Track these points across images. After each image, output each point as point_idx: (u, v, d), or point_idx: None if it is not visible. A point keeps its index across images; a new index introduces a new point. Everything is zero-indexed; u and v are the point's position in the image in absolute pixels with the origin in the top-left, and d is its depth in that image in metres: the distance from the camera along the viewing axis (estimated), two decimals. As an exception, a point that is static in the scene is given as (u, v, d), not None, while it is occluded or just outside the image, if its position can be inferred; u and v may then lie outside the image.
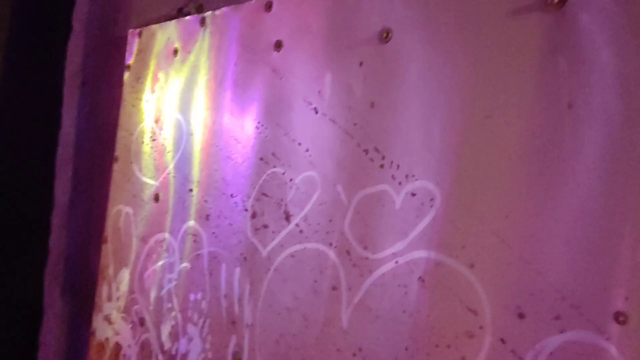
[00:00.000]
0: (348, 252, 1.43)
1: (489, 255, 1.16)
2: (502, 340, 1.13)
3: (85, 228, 2.62)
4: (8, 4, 2.85)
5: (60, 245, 2.74)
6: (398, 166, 1.35)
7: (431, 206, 1.27)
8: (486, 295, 1.16)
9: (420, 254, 1.28)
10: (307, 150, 1.57)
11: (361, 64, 1.44)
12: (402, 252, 1.31)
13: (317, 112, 1.56)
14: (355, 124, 1.46)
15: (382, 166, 1.39)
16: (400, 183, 1.34)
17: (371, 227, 1.38)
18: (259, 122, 1.73)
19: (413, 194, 1.31)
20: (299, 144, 1.60)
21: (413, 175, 1.32)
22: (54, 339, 2.69)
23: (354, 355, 1.39)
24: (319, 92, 1.55)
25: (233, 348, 1.71)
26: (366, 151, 1.42)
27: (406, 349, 1.28)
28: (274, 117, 1.68)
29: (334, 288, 1.45)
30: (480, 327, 1.16)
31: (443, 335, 1.22)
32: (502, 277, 1.14)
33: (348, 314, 1.41)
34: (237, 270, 1.73)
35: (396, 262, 1.32)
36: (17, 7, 2.88)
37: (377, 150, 1.40)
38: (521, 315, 1.09)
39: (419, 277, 1.27)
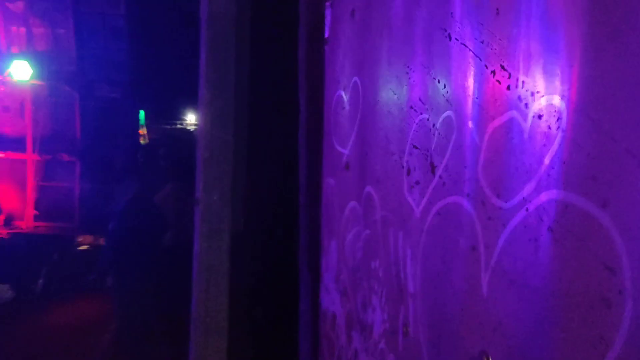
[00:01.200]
0: (483, 203, 1.15)
1: (625, 186, 0.78)
2: (647, 313, 0.74)
3: (315, 206, 2.74)
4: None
5: (304, 224, 2.92)
6: (523, 83, 1.02)
7: (557, 127, 0.92)
8: (624, 243, 0.78)
9: (549, 194, 0.94)
10: (445, 87, 1.32)
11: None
12: (531, 196, 0.99)
13: (450, 39, 1.30)
14: (482, 42, 1.16)
15: (508, 87, 1.07)
16: (526, 105, 1.01)
17: (502, 167, 1.08)
18: (408, 67, 1.53)
19: (539, 116, 0.97)
20: (438, 81, 1.36)
21: (538, 92, 0.98)
22: (306, 308, 2.89)
23: (494, 330, 1.10)
24: (451, 14, 1.29)
25: (402, 319, 1.55)
26: (493, 72, 1.12)
27: (541, 322, 0.95)
28: (417, 57, 1.47)
29: (473, 248, 1.18)
30: (620, 292, 0.78)
31: (577, 304, 0.87)
32: (644, 217, 0.74)
33: (487, 279, 1.13)
34: (401, 234, 1.57)
35: (526, 209, 1.00)
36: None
37: (503, 68, 1.09)
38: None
39: (548, 227, 0.93)
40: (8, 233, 6.97)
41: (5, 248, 6.86)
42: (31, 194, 7.18)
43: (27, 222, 7.14)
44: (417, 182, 1.46)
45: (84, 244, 9.68)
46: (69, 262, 8.02)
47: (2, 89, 6.90)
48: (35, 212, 7.23)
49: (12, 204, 7.19)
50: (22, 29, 6.90)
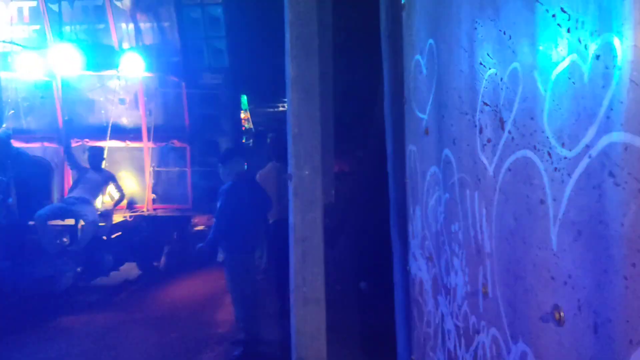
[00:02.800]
0: (549, 154, 1.11)
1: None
2: None
3: (402, 173, 2.72)
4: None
5: (393, 192, 2.92)
6: (583, 23, 0.97)
7: (614, 66, 0.87)
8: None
9: (610, 138, 0.89)
10: (510, 38, 1.28)
11: None
12: (593, 142, 0.94)
13: (513, -13, 1.25)
14: (543, -14, 1.11)
15: (568, 30, 1.02)
16: (586, 46, 0.96)
17: (565, 114, 1.04)
18: (476, 22, 1.49)
19: (597, 57, 0.92)
20: (504, 32, 1.31)
21: (596, 31, 0.93)
22: (398, 276, 2.91)
23: (565, 283, 1.07)
24: (514, -40, 1.24)
25: (481, 280, 1.54)
26: (554, 16, 1.07)
27: (605, 271, 0.92)
28: (484, 11, 1.42)
29: (542, 202, 1.15)
30: (679, 236, 0.74)
31: (638, 249, 0.82)
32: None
33: (556, 232, 1.09)
34: (476, 194, 1.54)
35: (589, 156, 0.96)
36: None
37: (562, 10, 1.04)
38: None
39: (610, 172, 0.89)
40: (131, 216, 7.59)
41: (129, 230, 7.48)
42: (149, 179, 7.75)
43: (147, 205, 7.72)
44: (489, 140, 1.43)
45: (199, 225, 10.31)
46: (186, 241, 8.59)
47: (117, 83, 7.47)
48: (153, 195, 7.79)
49: (133, 189, 7.81)
50: (131, 25, 7.41)
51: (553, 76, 1.08)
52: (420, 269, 2.24)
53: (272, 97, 11.86)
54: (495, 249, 1.42)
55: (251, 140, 9.79)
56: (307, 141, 3.16)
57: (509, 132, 1.30)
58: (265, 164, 6.28)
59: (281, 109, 12.67)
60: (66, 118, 7.47)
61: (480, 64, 1.46)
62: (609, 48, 0.88)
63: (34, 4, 7.39)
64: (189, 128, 7.90)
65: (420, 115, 2.11)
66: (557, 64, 1.06)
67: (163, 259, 8.43)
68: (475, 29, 1.49)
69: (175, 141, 7.83)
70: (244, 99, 9.63)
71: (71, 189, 7.02)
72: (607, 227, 0.90)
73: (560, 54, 1.05)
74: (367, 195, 5.03)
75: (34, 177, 7.05)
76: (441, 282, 1.95)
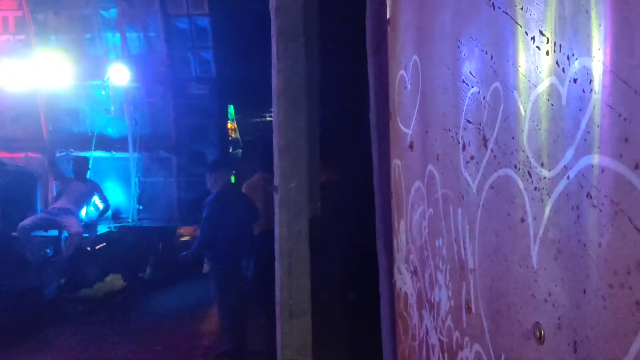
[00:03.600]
0: (530, 174, 1.12)
1: (654, 147, 0.74)
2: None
3: (387, 187, 2.74)
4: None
5: (379, 206, 2.94)
6: (560, 47, 0.99)
7: (591, 90, 0.89)
8: (655, 207, 0.75)
9: (587, 160, 0.91)
10: (492, 58, 1.30)
11: None
12: (571, 163, 0.96)
13: (494, 8, 1.27)
14: (522, 8, 1.13)
15: (547, 53, 1.04)
16: (564, 70, 0.98)
17: (544, 135, 1.06)
18: (459, 41, 1.51)
19: (575, 80, 0.94)
20: (486, 52, 1.33)
21: (573, 55, 0.95)
22: (384, 289, 2.91)
23: (545, 301, 1.08)
24: (494, -18, 1.26)
25: (465, 295, 1.55)
26: (533, 39, 1.09)
27: (584, 291, 0.93)
28: (467, 29, 1.45)
29: (523, 220, 1.16)
30: (654, 258, 0.75)
31: (616, 270, 0.84)
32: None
33: (536, 250, 1.11)
34: (459, 210, 1.56)
35: (568, 177, 0.97)
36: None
37: (541, 33, 1.06)
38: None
39: (587, 194, 0.90)
40: (115, 227, 7.53)
41: (114, 241, 7.43)
42: (134, 190, 7.70)
43: (132, 216, 7.67)
44: (472, 157, 1.45)
45: (184, 235, 10.24)
46: (172, 252, 8.54)
47: (103, 93, 7.44)
48: (138, 206, 7.75)
49: (119, 199, 7.76)
50: (117, 35, 7.39)
51: (532, 97, 1.10)
52: (405, 283, 2.25)
53: (260, 106, 11.86)
54: (478, 265, 1.43)
55: (239, 150, 9.78)
56: (293, 153, 3.17)
57: (492, 150, 1.31)
58: (253, 174, 6.27)
59: (269, 118, 12.66)
60: (50, 128, 7.42)
61: (463, 81, 1.48)
62: (586, 72, 0.90)
63: (20, 13, 7.34)
64: (175, 138, 7.87)
65: (405, 130, 2.13)
66: (536, 85, 1.08)
67: (148, 270, 8.37)
68: (459, 47, 1.51)
69: (161, 151, 7.80)
70: (231, 108, 9.63)
71: (55, 200, 6.96)
72: (586, 248, 0.92)
73: (540, 75, 1.07)
74: (356, 205, 5.05)
75: (17, 188, 6.98)
76: (425, 297, 1.96)
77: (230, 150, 9.44)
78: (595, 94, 0.87)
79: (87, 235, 6.81)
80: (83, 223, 6.82)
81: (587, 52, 0.89)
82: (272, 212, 3.51)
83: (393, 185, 2.39)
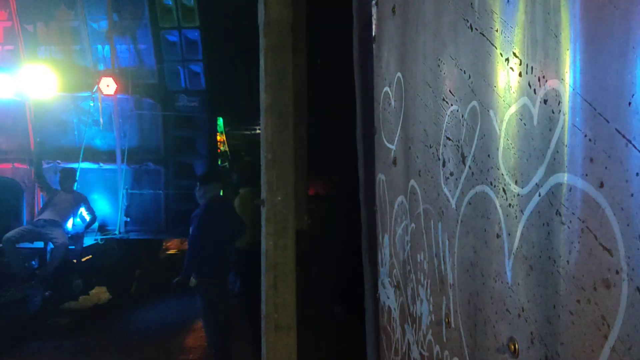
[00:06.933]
0: (504, 191, 1.15)
1: (616, 166, 0.77)
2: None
3: (373, 202, 2.77)
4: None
5: (365, 220, 2.96)
6: (532, 69, 1.03)
7: (559, 111, 0.92)
8: (618, 222, 0.77)
9: (557, 178, 0.94)
10: (470, 78, 1.33)
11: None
12: (542, 181, 0.99)
13: (472, 29, 1.31)
14: (497, 30, 1.17)
15: (520, 74, 1.07)
16: (535, 91, 1.01)
17: (517, 153, 1.09)
18: (439, 60, 1.55)
19: (545, 101, 0.97)
20: (464, 71, 1.37)
21: (543, 76, 0.98)
22: (369, 303, 2.92)
23: (519, 316, 1.10)
24: (471, 4, 1.30)
25: (445, 309, 1.57)
26: (507, 60, 1.12)
27: (554, 306, 0.96)
28: (446, 49, 1.48)
29: (498, 236, 1.19)
30: (617, 272, 0.78)
31: (583, 287, 0.86)
32: (634, 196, 0.74)
33: (510, 266, 1.13)
34: (440, 225, 1.58)
35: (539, 194, 1.00)
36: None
37: (515, 55, 1.09)
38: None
39: (557, 211, 0.93)
40: (102, 239, 7.48)
41: (100, 253, 7.37)
42: (122, 202, 7.67)
43: (119, 228, 7.63)
44: (451, 173, 1.48)
45: (171, 248, 10.20)
46: (158, 265, 8.49)
47: (92, 104, 7.43)
48: (126, 218, 7.71)
49: (106, 212, 7.72)
50: (107, 47, 7.40)
51: (507, 116, 1.13)
52: (389, 297, 2.27)
53: (249, 119, 11.88)
54: (457, 280, 1.46)
55: (227, 163, 9.80)
56: (280, 167, 3.18)
57: (469, 167, 1.34)
58: (241, 187, 6.26)
59: (258, 131, 12.68)
60: (38, 139, 7.39)
61: (444, 99, 1.52)
62: (555, 93, 0.93)
63: (9, 24, 7.34)
64: (164, 150, 7.86)
65: (389, 145, 2.16)
66: (510, 105, 1.11)
67: (134, 283, 8.31)
68: (439, 66, 1.55)
69: (149, 163, 7.79)
70: (220, 121, 9.65)
71: (41, 211, 6.91)
72: (555, 264, 0.94)
73: (513, 96, 1.10)
74: (342, 219, 5.07)
75: (3, 199, 6.93)
76: (408, 311, 1.98)
77: (220, 163, 9.44)
78: (564, 114, 0.90)
79: (73, 247, 6.76)
80: (69, 235, 6.78)
81: (557, 75, 0.93)
82: (259, 225, 3.52)
83: (378, 200, 2.42)
